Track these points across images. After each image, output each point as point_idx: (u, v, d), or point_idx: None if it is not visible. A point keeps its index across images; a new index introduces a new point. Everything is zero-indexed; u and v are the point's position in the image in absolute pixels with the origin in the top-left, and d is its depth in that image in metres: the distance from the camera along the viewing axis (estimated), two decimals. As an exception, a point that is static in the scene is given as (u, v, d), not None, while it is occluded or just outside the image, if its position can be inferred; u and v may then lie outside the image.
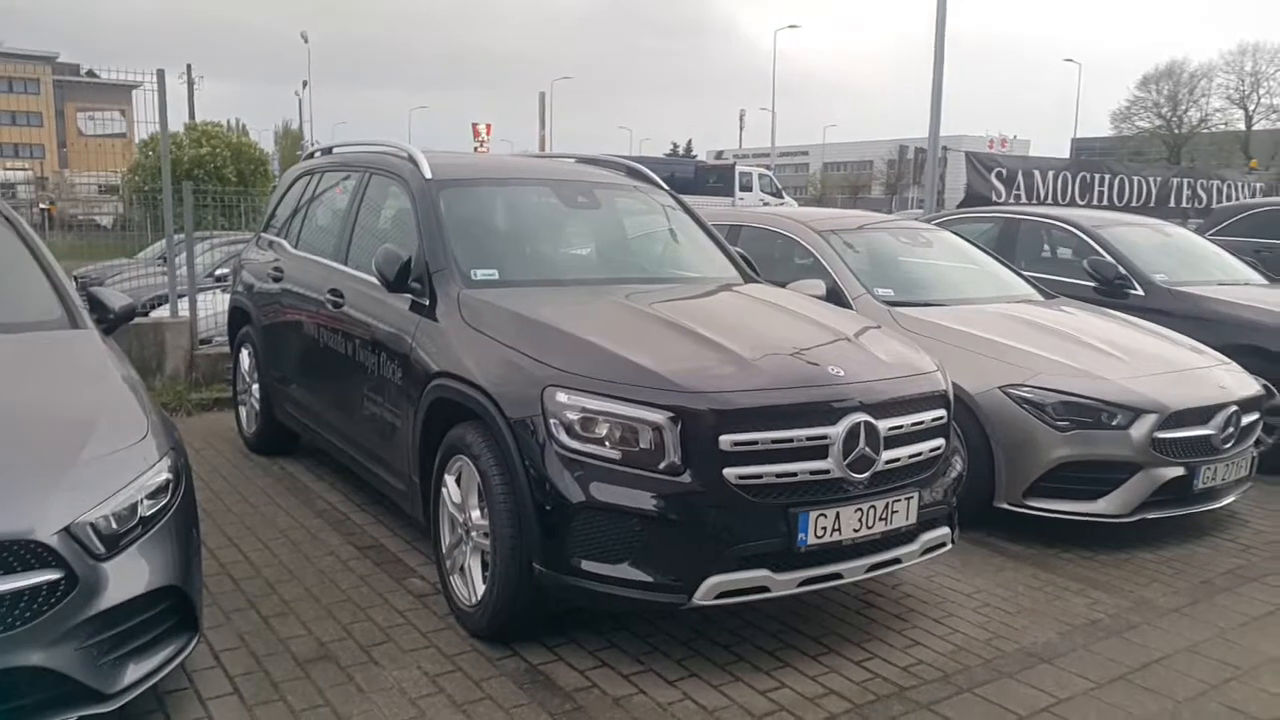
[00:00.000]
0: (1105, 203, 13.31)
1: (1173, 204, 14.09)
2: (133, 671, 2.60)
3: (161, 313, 7.95)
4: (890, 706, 3.07)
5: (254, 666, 3.21)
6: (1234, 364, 5.14)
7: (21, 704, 2.44)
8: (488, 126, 34.67)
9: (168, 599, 2.72)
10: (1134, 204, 13.50)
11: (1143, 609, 3.90)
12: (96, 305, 3.74)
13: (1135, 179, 13.89)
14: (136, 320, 6.98)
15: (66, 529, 2.45)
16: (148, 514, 2.67)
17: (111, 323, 3.73)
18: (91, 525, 2.50)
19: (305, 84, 56.55)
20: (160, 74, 7.55)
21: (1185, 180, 14.69)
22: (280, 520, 4.69)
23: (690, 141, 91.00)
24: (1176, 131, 59.46)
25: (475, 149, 31.47)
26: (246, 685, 3.09)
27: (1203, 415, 4.60)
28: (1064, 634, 3.64)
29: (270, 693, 3.04)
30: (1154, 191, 13.96)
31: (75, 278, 8.44)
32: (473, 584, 3.47)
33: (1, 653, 2.34)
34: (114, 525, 2.56)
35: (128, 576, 2.57)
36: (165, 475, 2.77)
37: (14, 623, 2.36)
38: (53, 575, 2.42)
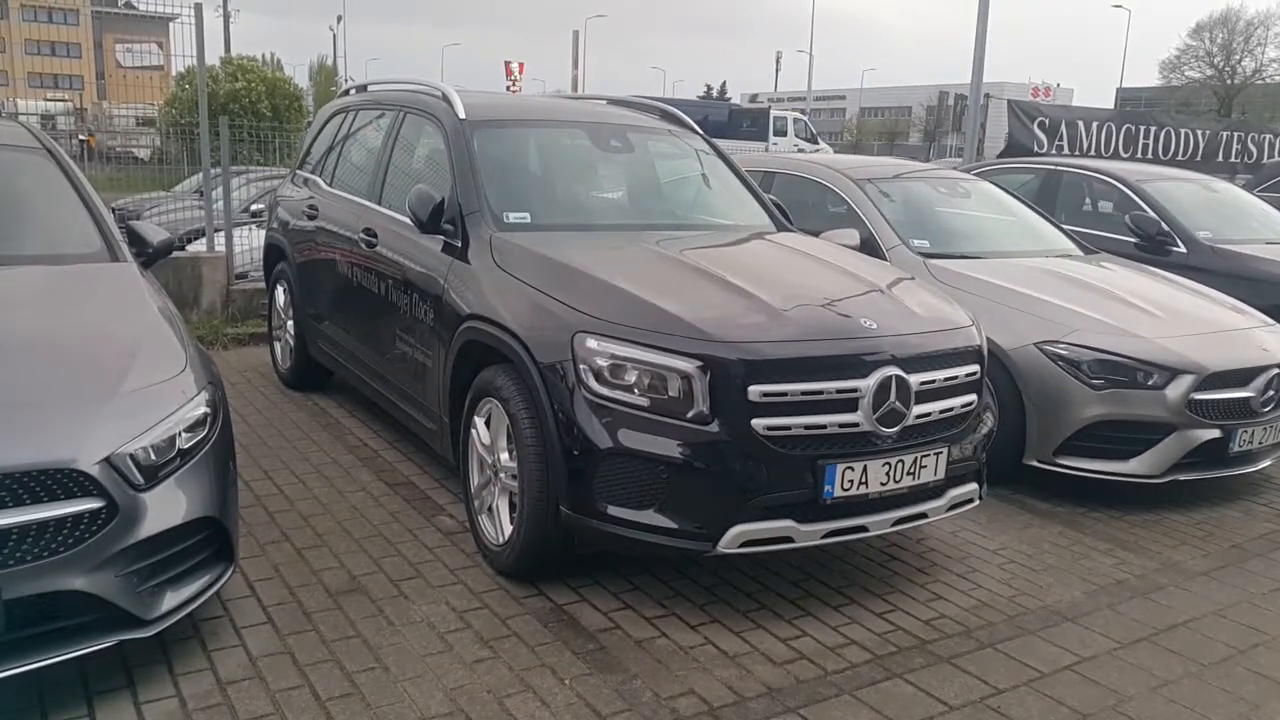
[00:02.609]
0: (1150, 156, 12.97)
1: (1221, 158, 13.70)
2: (170, 599, 2.68)
3: (198, 247, 8.02)
4: (911, 659, 3.10)
5: (287, 597, 3.29)
6: (1278, 325, 5.04)
7: (64, 626, 2.52)
8: (520, 65, 34.32)
9: (204, 529, 2.79)
10: (1180, 158, 13.14)
11: (1170, 571, 3.89)
12: (135, 239, 3.78)
13: (1182, 131, 13.50)
14: (174, 254, 7.05)
15: (107, 459, 2.51)
16: (186, 446, 2.73)
17: (150, 256, 3.77)
18: (131, 456, 2.56)
19: (340, 19, 56.25)
20: (198, 7, 7.53)
21: (1235, 134, 14.25)
22: (313, 455, 4.77)
23: (724, 84, 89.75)
24: (1229, 82, 57.57)
25: (508, 88, 31.21)
26: (280, 615, 3.17)
27: (1242, 377, 4.52)
28: (1089, 593, 3.64)
29: (303, 623, 3.12)
30: (1201, 145, 13.58)
31: (113, 209, 8.53)
32: (500, 524, 3.52)
33: (46, 577, 2.41)
34: (153, 457, 2.61)
35: (166, 507, 2.63)
36: (203, 409, 2.82)
37: (57, 549, 2.43)
38: (94, 504, 2.48)
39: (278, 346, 6.15)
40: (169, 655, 2.86)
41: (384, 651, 2.97)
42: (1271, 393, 4.58)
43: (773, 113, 33.57)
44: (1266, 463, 4.78)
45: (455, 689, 2.79)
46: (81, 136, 12.13)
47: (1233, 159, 13.93)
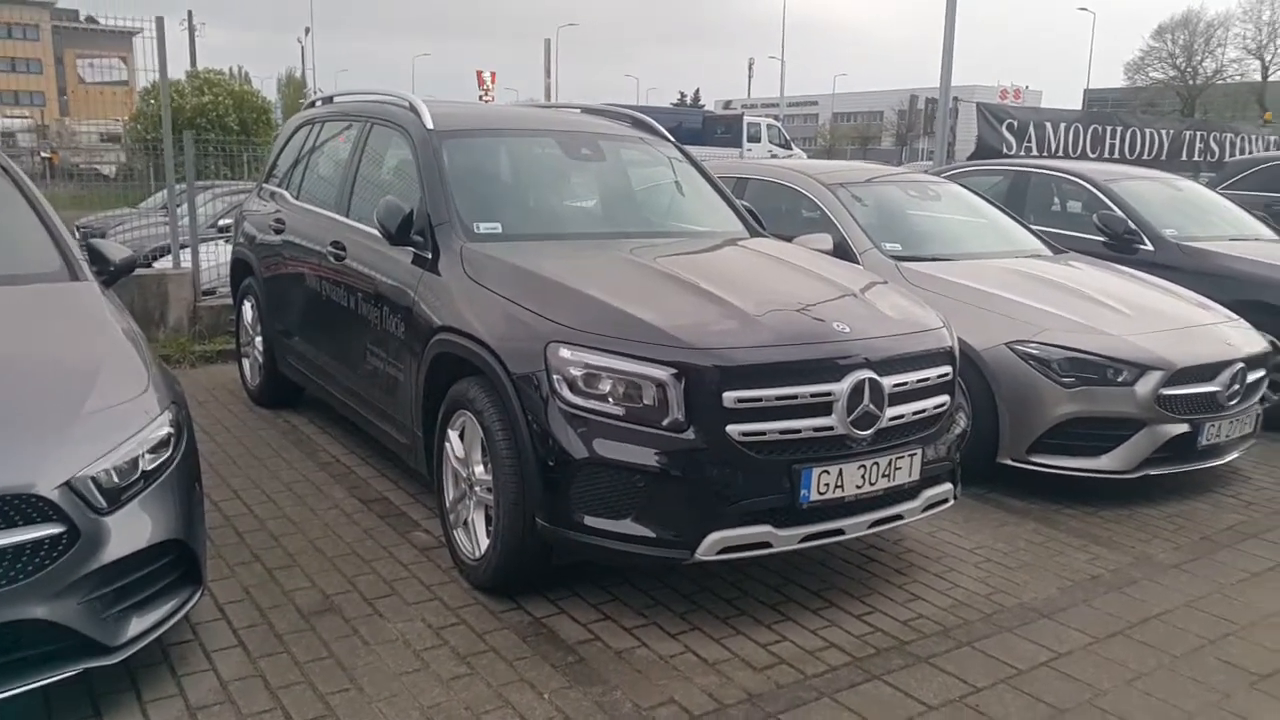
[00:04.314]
0: (1117, 155, 13.15)
1: (1185, 157, 13.92)
2: (136, 625, 2.62)
3: (164, 264, 7.92)
4: (890, 660, 3.09)
5: (258, 619, 3.24)
6: (1241, 320, 5.11)
7: (27, 656, 2.46)
8: (492, 75, 34.34)
9: (171, 553, 2.73)
10: (1145, 157, 13.33)
11: (1143, 565, 3.91)
12: (97, 257, 3.71)
13: (1147, 131, 13.70)
14: (139, 271, 6.97)
15: (68, 483, 2.45)
16: (149, 468, 2.67)
17: (112, 275, 3.70)
18: (93, 479, 2.50)
19: (308, 31, 56.06)
20: (159, 20, 7.45)
21: (1198, 133, 14.49)
22: (284, 473, 4.71)
23: (698, 91, 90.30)
24: (1191, 83, 58.50)
25: (480, 98, 31.17)
26: (251, 637, 3.11)
27: (1208, 372, 4.57)
28: (1064, 589, 3.66)
29: (275, 645, 3.07)
30: (1166, 144, 13.79)
31: (78, 228, 8.42)
32: (476, 538, 3.48)
33: (6, 605, 2.35)
34: (115, 479, 2.56)
35: (130, 531, 2.58)
36: (166, 429, 2.77)
37: (17, 576, 2.37)
38: (55, 529, 2.43)
39: (246, 363, 6.08)
40: (137, 682, 2.80)
41: (358, 672, 2.92)
42: (1236, 386, 4.64)
43: (746, 119, 33.66)
44: (1234, 455, 4.83)
45: (432, 707, 2.75)
46: (44, 154, 11.97)
47: (1196, 158, 14.16)
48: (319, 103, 6.08)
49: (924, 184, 6.49)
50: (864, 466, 3.23)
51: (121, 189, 9.55)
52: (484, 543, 3.43)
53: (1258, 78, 56.86)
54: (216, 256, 7.69)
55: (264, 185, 5.98)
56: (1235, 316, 5.13)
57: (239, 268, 6.08)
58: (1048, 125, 12.54)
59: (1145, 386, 4.40)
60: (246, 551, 3.78)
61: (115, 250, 3.77)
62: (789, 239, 4.94)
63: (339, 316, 4.61)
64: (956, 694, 2.91)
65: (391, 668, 2.95)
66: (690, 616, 3.34)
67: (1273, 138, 15.93)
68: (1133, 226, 6.56)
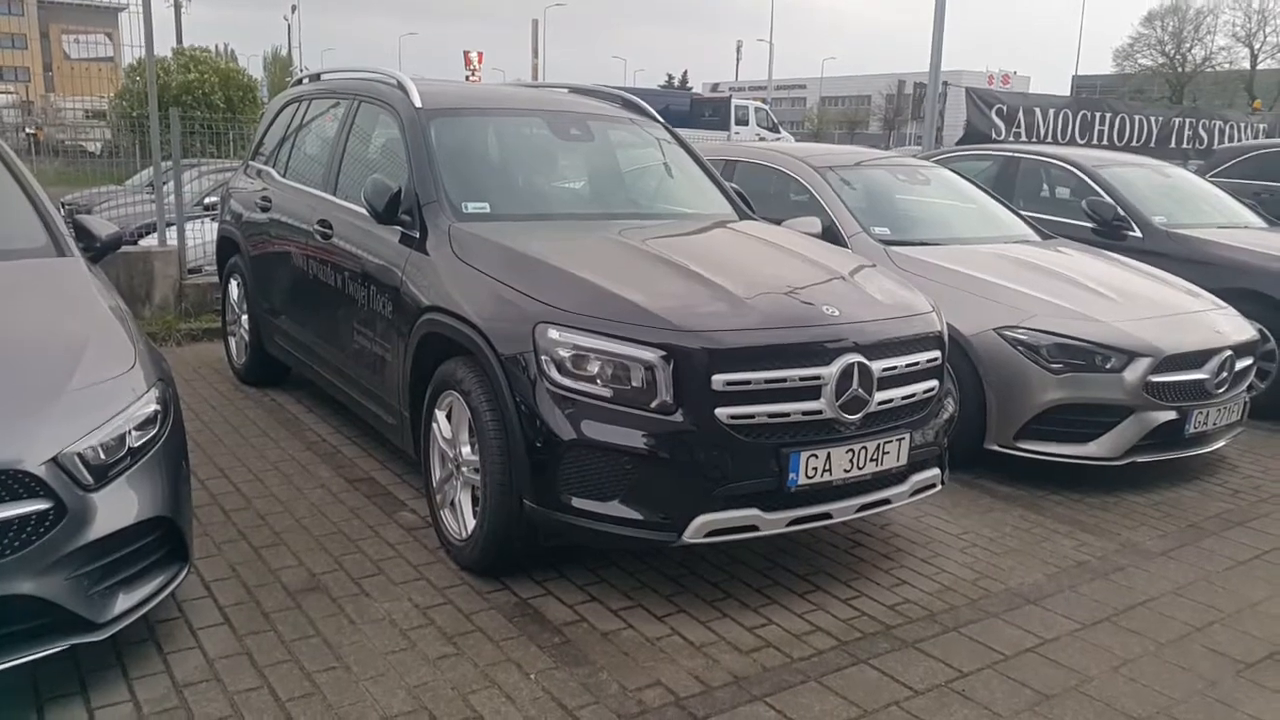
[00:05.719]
0: (1105, 142, 13.16)
1: (1173, 144, 13.94)
2: (123, 601, 2.61)
3: (150, 241, 7.86)
4: (876, 644, 3.11)
5: (245, 597, 3.23)
6: (1230, 308, 5.13)
7: (12, 632, 2.45)
8: (480, 55, 34.16)
9: (157, 530, 2.72)
10: (1134, 144, 13.35)
11: (1129, 552, 3.93)
12: (83, 233, 3.68)
13: (1136, 118, 13.72)
14: (125, 249, 6.92)
15: (54, 459, 2.44)
16: (136, 445, 2.66)
17: (98, 251, 3.67)
18: (79, 456, 2.49)
19: (294, 8, 55.51)
20: (145, -6, 7.35)
21: (1187, 120, 14.50)
22: (271, 452, 4.69)
23: (686, 73, 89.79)
24: (1180, 70, 58.62)
25: (467, 77, 30.98)
26: (237, 615, 3.10)
27: (1197, 359, 4.59)
28: (1051, 575, 3.68)
29: (261, 623, 3.06)
30: (1155, 131, 13.80)
31: (63, 204, 8.34)
32: (463, 518, 3.48)
33: (-8, 581, 2.34)
34: (102, 456, 2.55)
35: (117, 507, 2.57)
36: (153, 406, 2.76)
37: (4, 552, 2.36)
38: (42, 505, 2.41)
39: (232, 342, 6.04)
40: (123, 659, 2.80)
41: (345, 650, 2.92)
42: (1225, 374, 4.66)
43: (734, 102, 33.55)
44: (1221, 443, 4.87)
45: (418, 686, 2.75)
46: (29, 130, 11.82)
47: (1185, 145, 14.17)
48: (306, 80, 6.02)
49: (913, 168, 6.48)
50: (852, 451, 3.23)
51: (107, 166, 9.45)
52: (471, 523, 3.43)
53: (1246, 65, 57.00)
54: (202, 234, 7.64)
55: (250, 163, 5.93)
56: (1224, 304, 5.15)
57: (225, 246, 6.03)
58: (1036, 111, 12.55)
59: (1133, 373, 4.42)
60: (233, 530, 3.76)
61: (101, 226, 3.74)
62: (778, 222, 4.93)
63: (325, 296, 4.58)
64: (942, 679, 2.92)
65: (378, 647, 2.95)
66: (677, 599, 3.34)
67: (1261, 126, 15.96)
68: (1122, 213, 6.58)
